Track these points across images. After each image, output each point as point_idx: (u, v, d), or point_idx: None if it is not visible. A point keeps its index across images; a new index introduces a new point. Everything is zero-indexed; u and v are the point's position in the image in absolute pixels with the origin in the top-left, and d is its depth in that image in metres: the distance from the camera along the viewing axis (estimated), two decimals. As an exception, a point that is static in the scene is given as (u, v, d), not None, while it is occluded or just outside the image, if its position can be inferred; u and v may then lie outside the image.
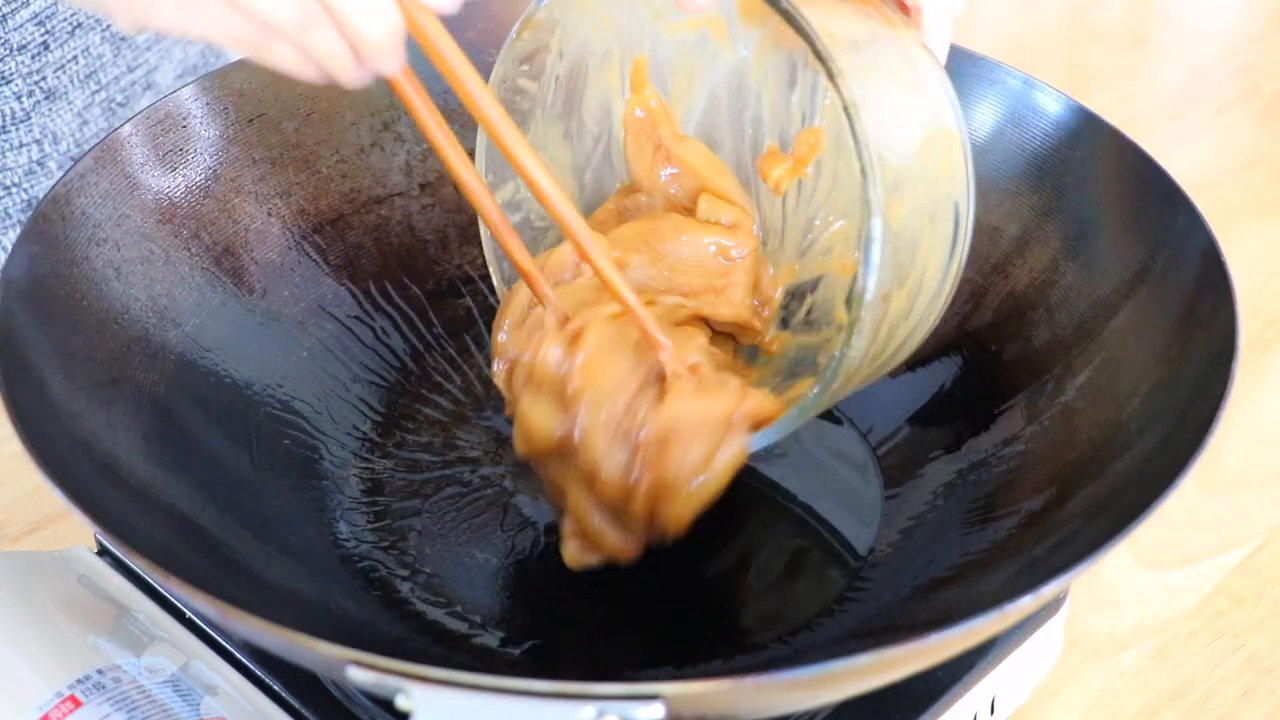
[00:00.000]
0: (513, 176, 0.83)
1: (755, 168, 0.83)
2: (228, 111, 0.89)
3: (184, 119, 0.87)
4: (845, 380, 0.73)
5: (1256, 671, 0.86)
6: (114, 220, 0.82)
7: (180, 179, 0.87)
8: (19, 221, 1.05)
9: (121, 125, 0.85)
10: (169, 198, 0.86)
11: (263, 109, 0.90)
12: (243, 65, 0.90)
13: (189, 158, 0.87)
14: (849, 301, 0.70)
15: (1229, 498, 0.95)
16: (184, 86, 0.88)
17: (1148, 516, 0.66)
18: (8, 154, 1.03)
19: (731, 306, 0.81)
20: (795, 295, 0.83)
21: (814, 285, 0.83)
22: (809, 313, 0.83)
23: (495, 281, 0.84)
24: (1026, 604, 0.64)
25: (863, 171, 0.68)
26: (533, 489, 0.85)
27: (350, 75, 0.66)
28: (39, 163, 1.04)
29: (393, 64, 0.66)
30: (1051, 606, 0.79)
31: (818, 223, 0.81)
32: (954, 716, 0.76)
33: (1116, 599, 0.89)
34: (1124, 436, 0.77)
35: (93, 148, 0.83)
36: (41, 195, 1.03)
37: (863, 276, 0.69)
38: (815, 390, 0.74)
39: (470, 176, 0.75)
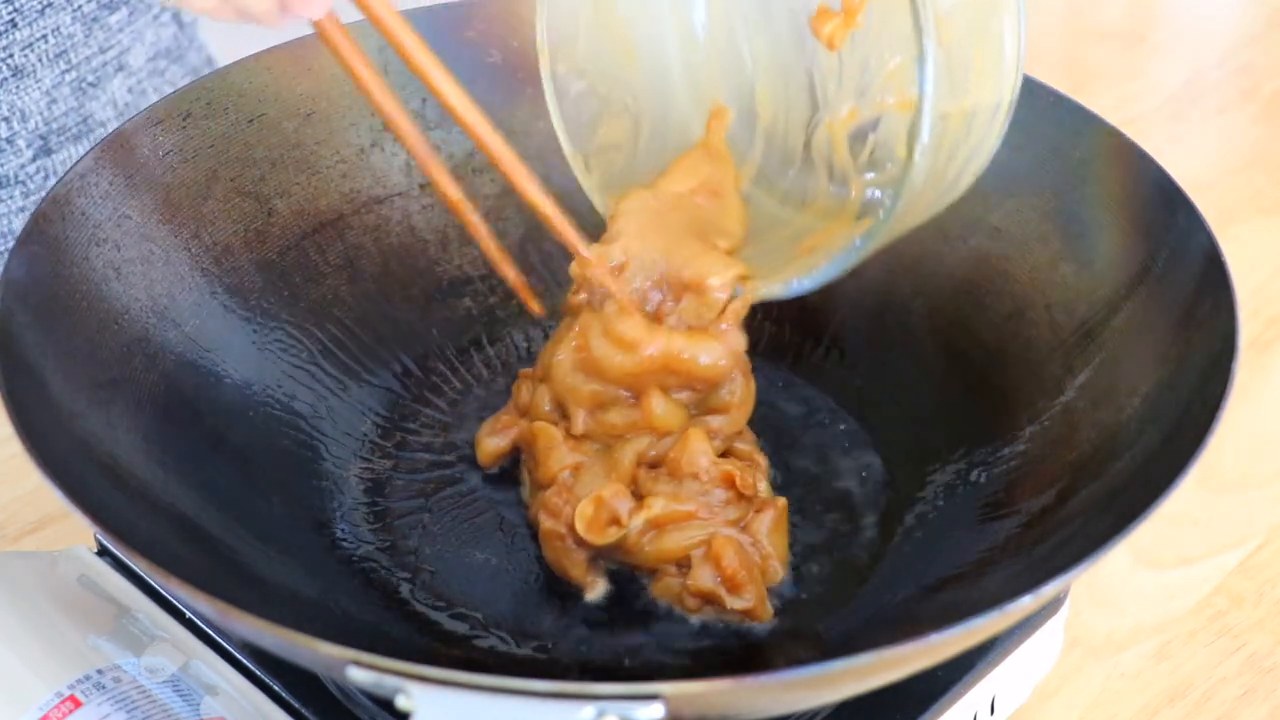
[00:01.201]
0: None
1: (808, 25, 0.83)
2: (228, 111, 0.89)
3: (184, 119, 0.87)
4: (910, 203, 0.74)
5: (1256, 671, 0.86)
6: (114, 220, 0.82)
7: (180, 179, 0.86)
8: None
9: (123, 125, 0.85)
10: (168, 198, 0.86)
11: (263, 109, 0.90)
12: (242, 65, 0.90)
13: (189, 158, 0.87)
14: (910, 132, 0.71)
15: (1229, 498, 0.95)
16: (184, 87, 0.88)
17: (1148, 516, 0.66)
18: None
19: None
20: (857, 138, 0.84)
21: (874, 126, 0.83)
22: (871, 154, 0.83)
23: (568, 152, 0.86)
24: (1026, 604, 0.64)
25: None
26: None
27: (271, 18, 0.69)
28: (8, 140, 1.04)
29: (318, 9, 0.68)
30: (1051, 606, 0.79)
31: (873, 63, 0.82)
32: (954, 716, 0.76)
33: (1116, 599, 0.89)
34: (1124, 436, 0.77)
35: (93, 148, 0.83)
36: (10, 173, 1.04)
37: (919, 84, 0.70)
38: (883, 214, 0.75)
39: (409, 129, 0.79)
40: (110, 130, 1.05)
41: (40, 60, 1.04)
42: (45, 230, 0.79)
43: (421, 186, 0.94)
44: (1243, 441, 0.98)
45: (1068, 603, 0.81)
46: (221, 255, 0.87)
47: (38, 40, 1.03)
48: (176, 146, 0.87)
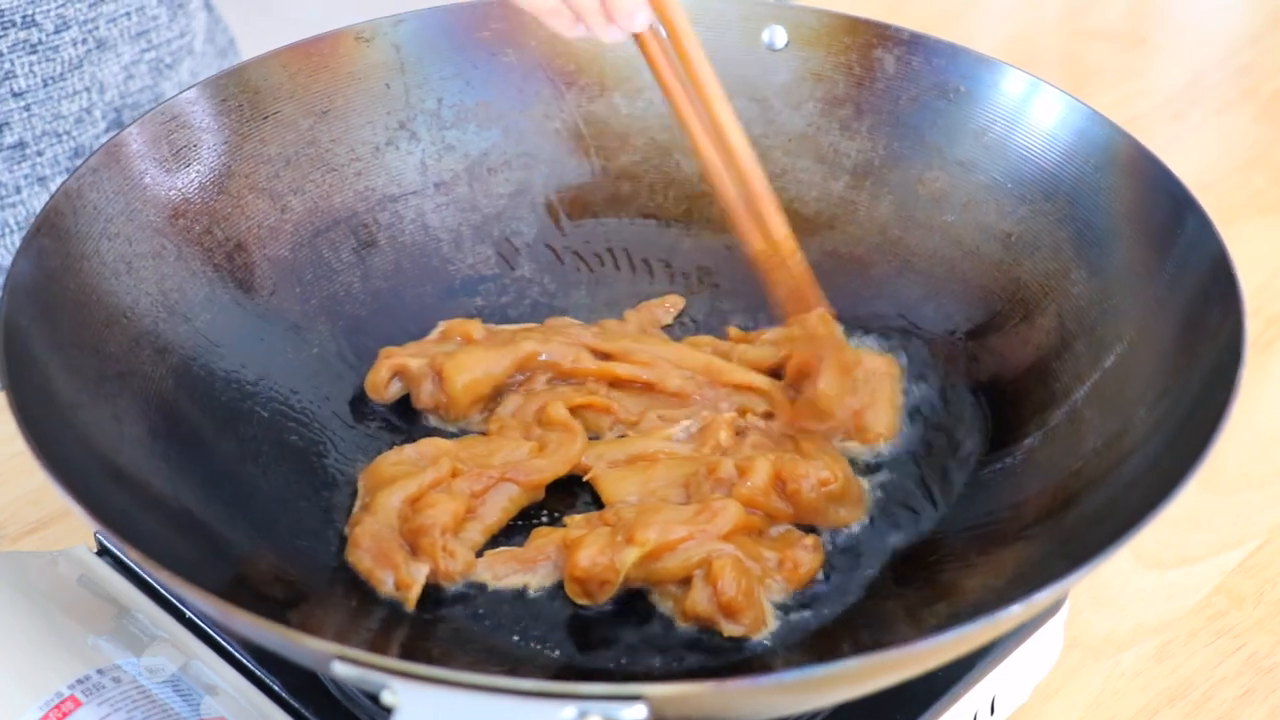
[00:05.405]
0: None
1: None
2: (242, 109, 0.89)
3: (198, 115, 0.87)
4: None
5: (1256, 671, 0.86)
6: (126, 215, 0.83)
7: (194, 175, 0.87)
8: (67, 169, 1.07)
9: (135, 119, 0.85)
10: (182, 193, 0.86)
11: (278, 106, 0.90)
12: (258, 63, 0.90)
13: (203, 154, 0.88)
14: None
15: (1229, 498, 0.95)
16: (199, 82, 0.88)
17: (1148, 523, 0.66)
18: (62, 102, 1.05)
19: None
20: None
21: None
22: None
23: None
24: (1017, 612, 0.64)
25: None
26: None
27: (602, 31, 0.80)
28: (86, 111, 1.06)
29: (640, 22, 0.79)
30: (1052, 607, 0.80)
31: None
32: (954, 716, 0.76)
33: (1117, 599, 0.89)
34: (1128, 443, 0.77)
35: (104, 144, 0.84)
36: (86, 143, 1.04)
37: None
38: None
39: (708, 148, 0.85)
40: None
41: (122, 35, 1.06)
42: (57, 224, 0.79)
43: (436, 185, 0.94)
44: (1243, 442, 0.98)
45: (1068, 603, 0.81)
46: (234, 251, 0.87)
47: (121, 16, 1.05)
48: (190, 142, 0.87)
